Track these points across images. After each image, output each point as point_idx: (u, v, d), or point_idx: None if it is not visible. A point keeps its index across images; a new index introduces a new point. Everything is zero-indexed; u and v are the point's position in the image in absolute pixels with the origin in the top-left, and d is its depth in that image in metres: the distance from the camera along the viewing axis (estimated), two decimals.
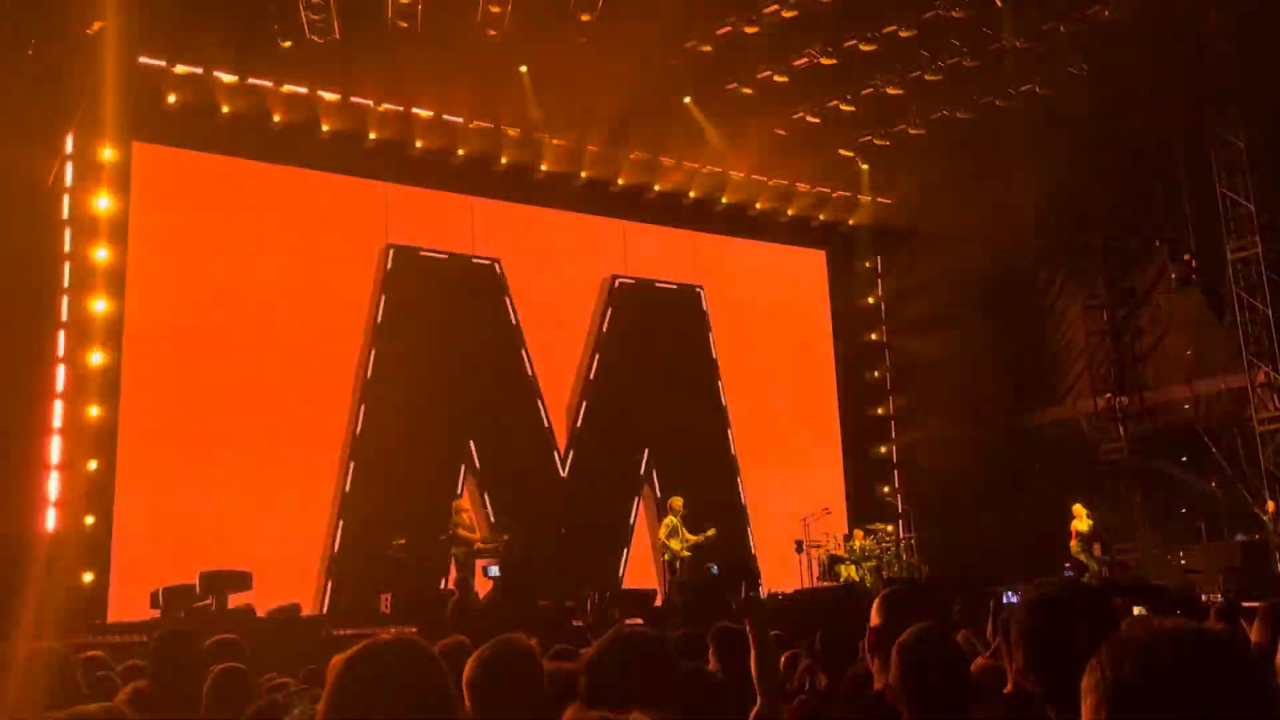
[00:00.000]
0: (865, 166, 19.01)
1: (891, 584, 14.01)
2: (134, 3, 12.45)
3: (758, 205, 19.10)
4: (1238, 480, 15.63)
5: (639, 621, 11.36)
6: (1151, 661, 1.30)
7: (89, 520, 12.80)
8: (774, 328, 19.00)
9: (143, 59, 13.79)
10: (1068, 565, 15.36)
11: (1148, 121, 16.17)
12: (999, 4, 13.57)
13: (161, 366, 13.77)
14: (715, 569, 14.59)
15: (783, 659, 4.97)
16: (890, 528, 17.53)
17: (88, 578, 12.61)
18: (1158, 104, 15.76)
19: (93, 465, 12.95)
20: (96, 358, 13.14)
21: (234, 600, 11.32)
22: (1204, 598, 11.80)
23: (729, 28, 14.61)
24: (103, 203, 13.49)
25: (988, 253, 18.01)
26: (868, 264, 20.56)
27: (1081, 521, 15.49)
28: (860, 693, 3.22)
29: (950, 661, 2.56)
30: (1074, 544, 15.54)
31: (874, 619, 2.81)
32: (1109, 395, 18.14)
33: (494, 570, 12.96)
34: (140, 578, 12.07)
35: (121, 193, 13.74)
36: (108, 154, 13.56)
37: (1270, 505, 15.17)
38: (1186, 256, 16.06)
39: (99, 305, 13.24)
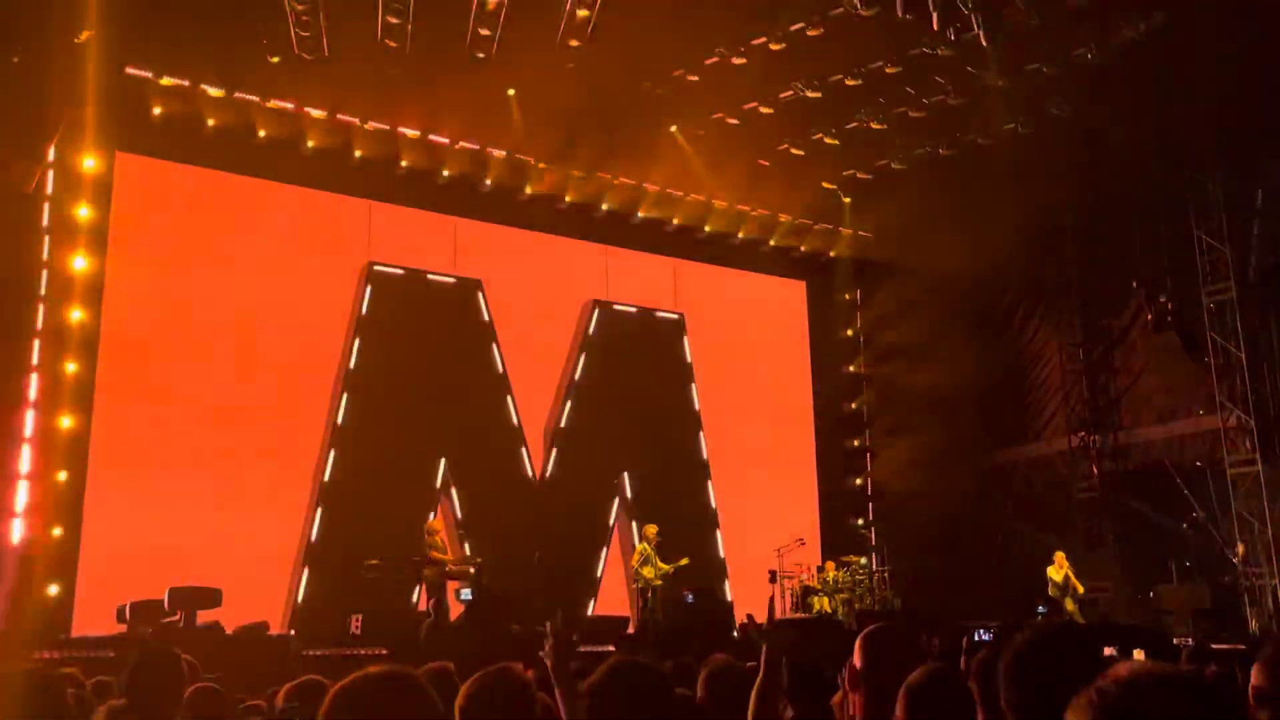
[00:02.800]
0: (847, 200, 19.16)
1: (864, 617, 14.03)
2: (122, 13, 12.42)
3: (740, 234, 19.19)
4: (1209, 522, 15.74)
5: (612, 648, 11.30)
6: (1138, 705, 1.30)
7: (56, 532, 12.65)
8: (753, 357, 19.05)
9: (129, 69, 13.77)
10: (1041, 606, 15.41)
11: (1127, 163, 16.37)
12: (984, 44, 13.72)
13: (136, 378, 13.66)
14: (691, 597, 14.55)
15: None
16: (863, 560, 17.55)
17: (53, 590, 12.45)
18: (1137, 146, 15.96)
19: (62, 476, 12.81)
20: (70, 368, 13.04)
21: (202, 617, 11.20)
22: (1174, 640, 11.85)
23: (717, 58, 14.71)
24: (83, 212, 13.43)
25: (966, 289, 18.15)
26: (847, 296, 20.67)
27: (1057, 570, 15.57)
28: None
29: (958, 703, 2.54)
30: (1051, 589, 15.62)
31: (856, 658, 2.80)
32: (1083, 434, 18.27)
33: (466, 593, 12.88)
34: (107, 591, 11.92)
35: (103, 202, 13.69)
36: (90, 163, 13.50)
37: (1240, 547, 15.28)
38: (1163, 298, 16.21)
39: (75, 315, 13.15)
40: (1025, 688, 1.96)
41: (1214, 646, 9.87)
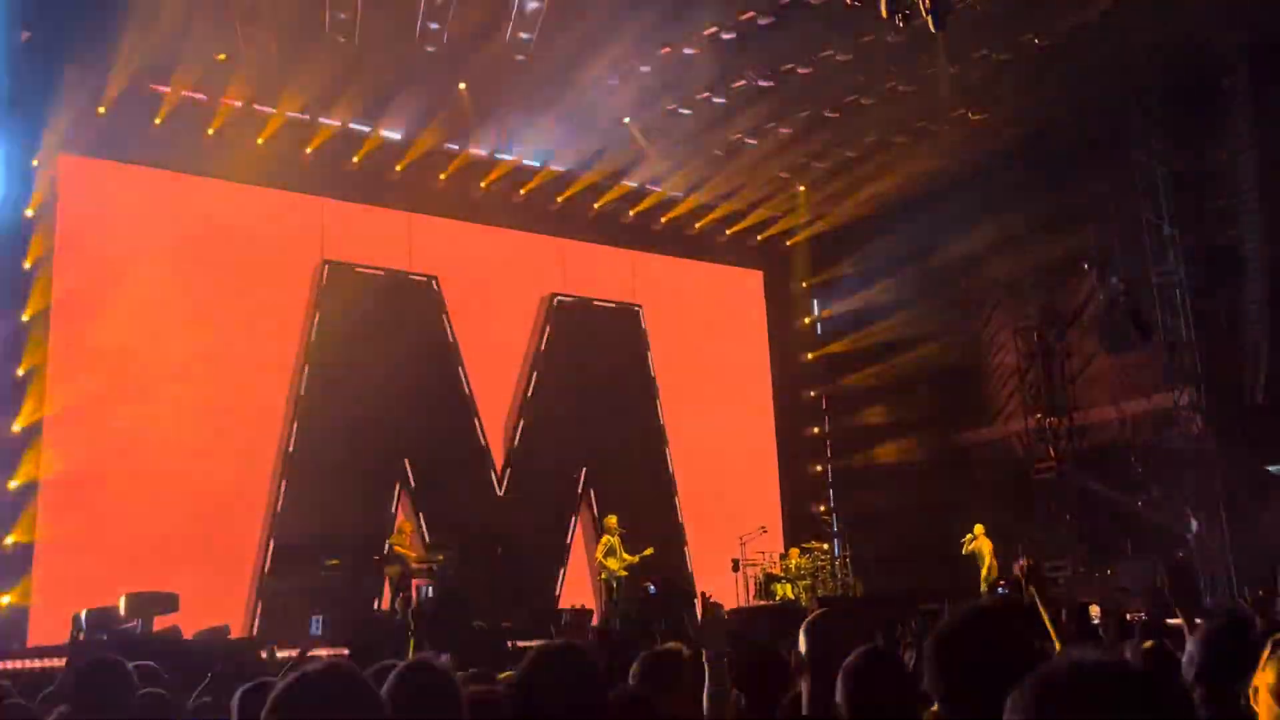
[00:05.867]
0: (802, 188, 19.23)
1: (826, 602, 14.13)
2: (63, 12, 12.22)
3: (696, 225, 19.23)
4: (1163, 499, 15.97)
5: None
6: (1075, 702, 1.31)
7: (9, 540, 12.46)
8: (711, 347, 19.10)
9: (72, 68, 13.52)
10: (1002, 584, 15.58)
11: (1076, 147, 16.55)
12: (933, 31, 13.80)
13: (87, 381, 13.44)
14: (653, 589, 14.57)
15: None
16: (825, 546, 17.66)
17: (6, 600, 12.27)
18: (1085, 130, 16.15)
19: (13, 484, 12.62)
20: (20, 372, 12.84)
21: (160, 622, 11.06)
22: (1128, 615, 12.00)
23: (669, 49, 14.70)
24: (29, 214, 13.20)
25: (921, 274, 18.29)
26: (805, 284, 20.78)
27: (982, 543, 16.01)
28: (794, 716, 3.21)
29: (896, 682, 2.56)
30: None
31: (801, 645, 2.81)
32: (1040, 415, 18.46)
33: (428, 590, 12.83)
34: (62, 600, 11.74)
35: (49, 203, 13.46)
36: (35, 164, 13.28)
37: (1194, 523, 15.52)
38: (1114, 279, 16.40)
39: (23, 317, 12.94)
40: (949, 671, 1.97)
41: (1169, 621, 10.01)
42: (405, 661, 2.51)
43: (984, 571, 15.94)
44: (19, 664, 9.79)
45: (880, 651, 2.67)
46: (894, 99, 15.81)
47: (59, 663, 9.53)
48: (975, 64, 15.06)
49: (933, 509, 17.98)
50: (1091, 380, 18.13)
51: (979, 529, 16.21)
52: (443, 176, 16.49)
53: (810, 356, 20.64)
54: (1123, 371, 17.35)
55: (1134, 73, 14.93)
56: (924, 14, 13.55)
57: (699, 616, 14.95)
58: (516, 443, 16.75)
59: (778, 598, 15.80)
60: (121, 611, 10.87)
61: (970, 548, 16.20)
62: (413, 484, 15.64)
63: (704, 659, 3.12)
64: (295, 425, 14.90)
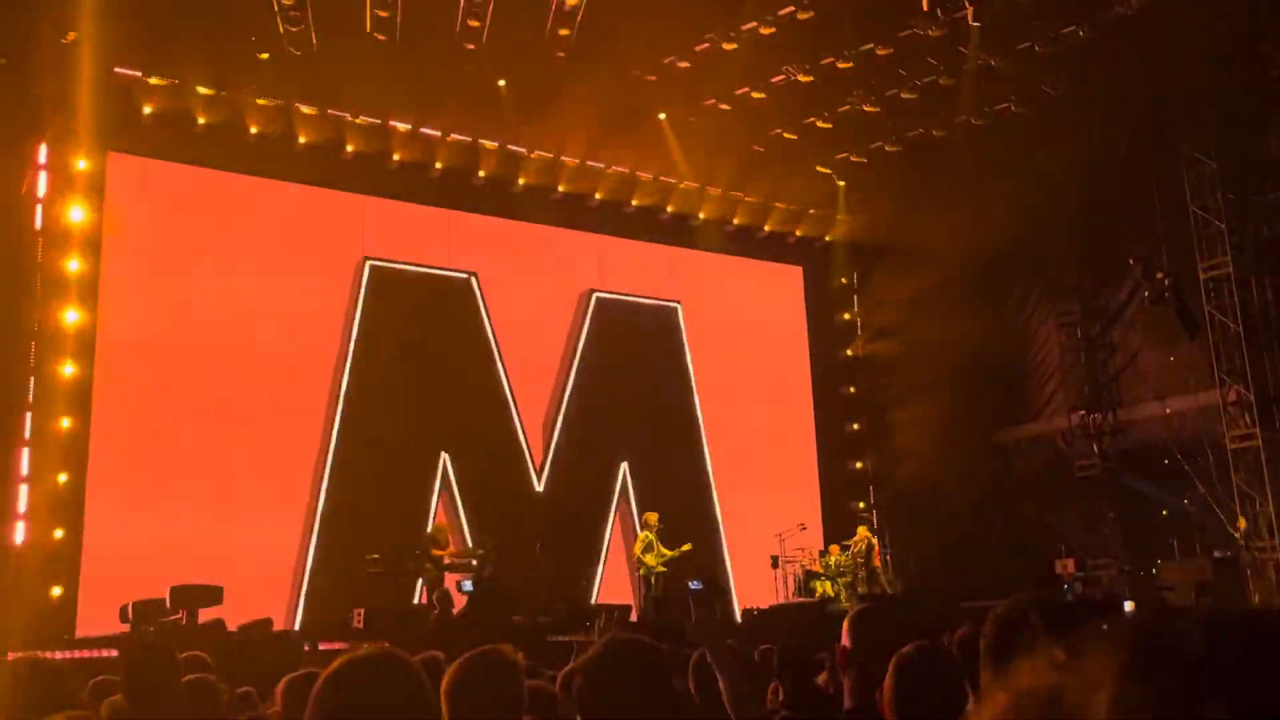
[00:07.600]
0: (842, 183, 19.11)
1: (864, 600, 14.06)
2: (109, 13, 12.38)
3: (735, 221, 19.16)
4: (1210, 497, 15.75)
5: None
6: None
7: (58, 533, 12.67)
8: (750, 343, 19.02)
9: (118, 69, 13.72)
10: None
11: (1121, 140, 16.34)
12: (973, 24, 13.68)
13: (134, 378, 13.64)
14: (696, 584, 14.56)
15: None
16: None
17: (56, 591, 12.48)
18: (1131, 123, 15.93)
19: (62, 478, 12.83)
20: (68, 369, 13.04)
21: (204, 615, 11.21)
22: None
23: (707, 44, 14.66)
24: (76, 213, 13.41)
25: (963, 270, 18.12)
26: (844, 280, 20.65)
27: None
28: (829, 710, 3.19)
29: (947, 678, 2.54)
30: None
31: (844, 639, 2.79)
32: (1083, 412, 18.26)
33: (467, 585, 12.90)
34: (109, 592, 11.92)
35: (95, 203, 13.66)
36: (81, 164, 13.48)
37: (1241, 522, 15.29)
38: (1160, 274, 16.18)
39: (71, 316, 13.15)
40: (1001, 651, 1.95)
41: None
42: (477, 650, 2.52)
43: (881, 575, 16.02)
44: (68, 654, 9.94)
45: (934, 647, 2.66)
46: (935, 93, 15.67)
47: (107, 653, 9.67)
48: (1017, 57, 14.90)
49: (974, 507, 17.85)
50: (1136, 376, 17.93)
51: (863, 530, 16.26)
52: (482, 173, 16.54)
53: (850, 352, 20.53)
54: (1168, 367, 17.13)
55: (1179, 64, 14.70)
56: (965, 6, 13.47)
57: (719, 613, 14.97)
58: (555, 439, 16.78)
59: (817, 595, 15.74)
60: (167, 604, 11.02)
61: (856, 548, 16.20)
62: (453, 480, 15.72)
63: (707, 657, 3.11)
64: (337, 421, 15.03)
